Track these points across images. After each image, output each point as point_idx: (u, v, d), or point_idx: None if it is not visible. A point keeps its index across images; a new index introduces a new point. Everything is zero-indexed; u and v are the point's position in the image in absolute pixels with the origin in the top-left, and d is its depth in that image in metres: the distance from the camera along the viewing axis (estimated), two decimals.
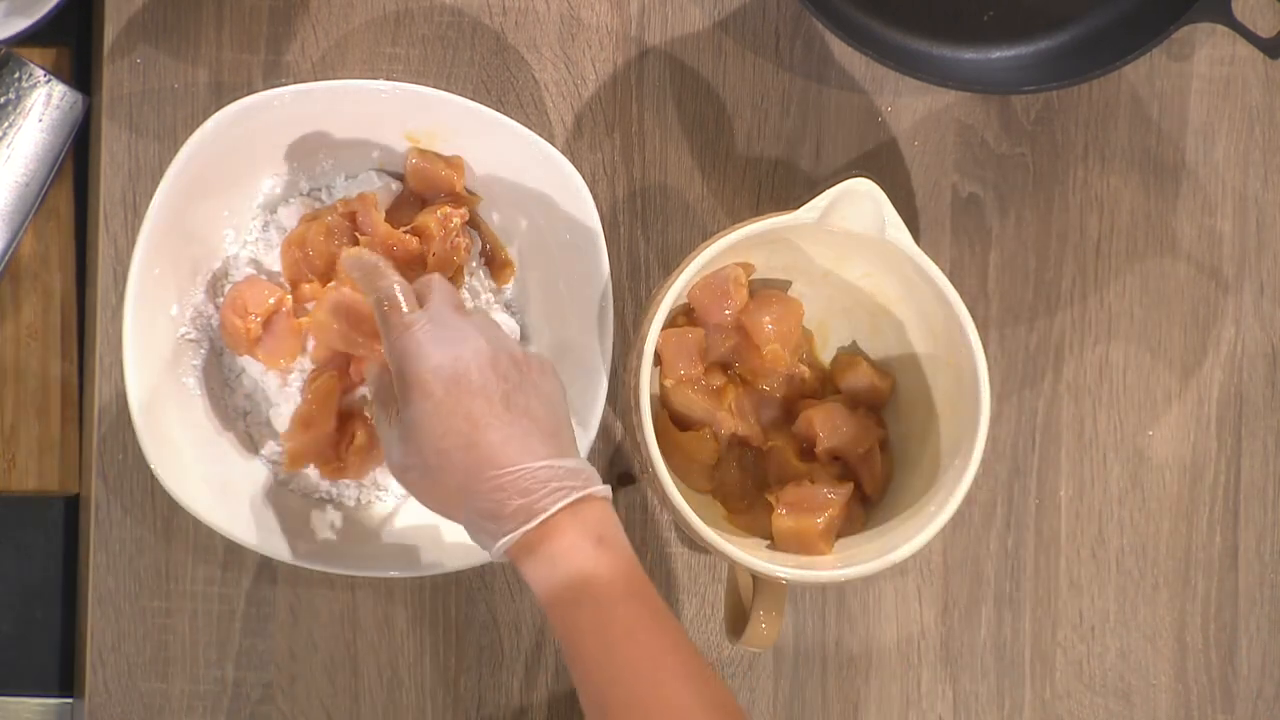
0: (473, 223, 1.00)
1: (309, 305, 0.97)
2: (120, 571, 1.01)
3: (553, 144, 0.98)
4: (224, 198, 0.98)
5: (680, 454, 0.98)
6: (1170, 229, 1.08)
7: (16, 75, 1.02)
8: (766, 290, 1.00)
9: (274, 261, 0.99)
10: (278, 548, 0.95)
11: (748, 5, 1.05)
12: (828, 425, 0.97)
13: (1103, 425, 1.07)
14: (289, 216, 0.99)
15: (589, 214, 0.97)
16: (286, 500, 0.98)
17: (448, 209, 0.98)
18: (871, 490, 0.98)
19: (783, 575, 0.91)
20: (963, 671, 1.06)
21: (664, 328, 0.95)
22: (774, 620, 0.93)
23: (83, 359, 1.04)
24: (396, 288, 0.87)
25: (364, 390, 0.98)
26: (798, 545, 0.95)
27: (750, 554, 0.91)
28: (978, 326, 0.93)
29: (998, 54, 1.04)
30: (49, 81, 1.02)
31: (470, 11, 1.04)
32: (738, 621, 0.97)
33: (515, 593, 1.03)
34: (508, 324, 1.00)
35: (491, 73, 1.04)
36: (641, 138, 1.05)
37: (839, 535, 0.97)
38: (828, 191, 0.92)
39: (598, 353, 0.98)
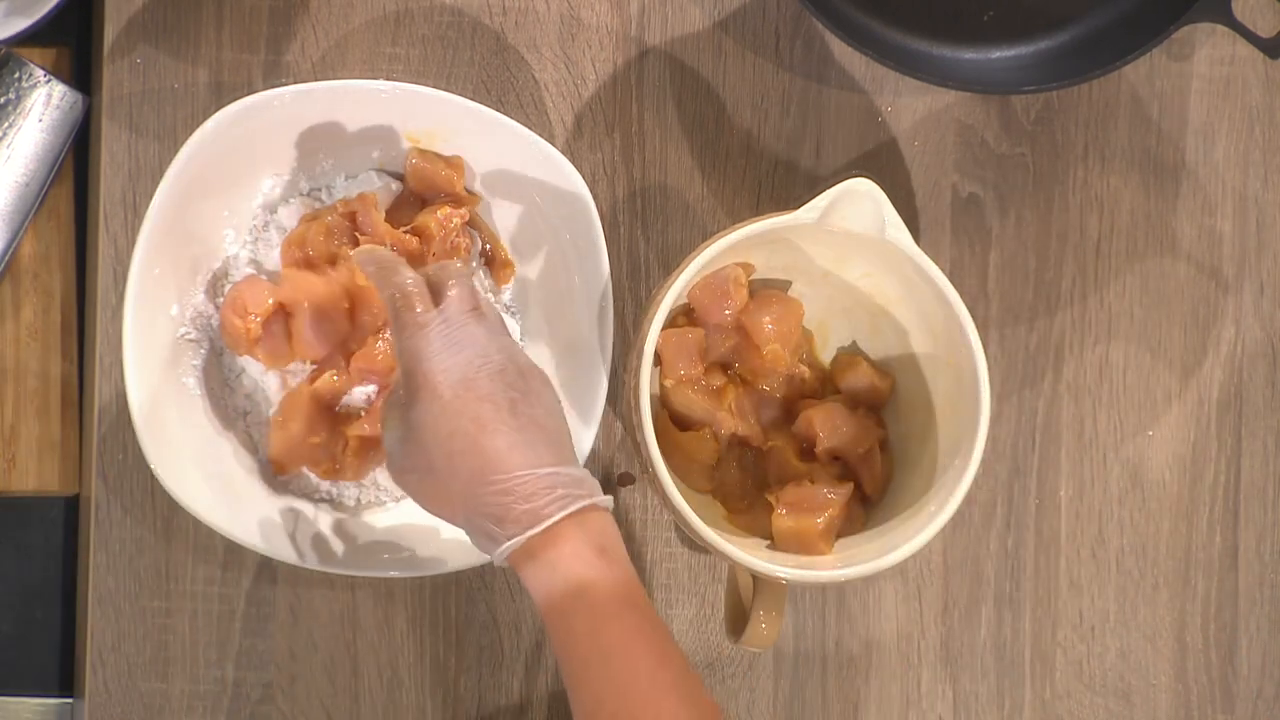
0: (473, 223, 1.00)
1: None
2: (120, 571, 1.01)
3: (553, 144, 0.98)
4: (224, 198, 0.98)
5: (680, 454, 0.98)
6: (1170, 229, 1.08)
7: (16, 75, 1.02)
8: (766, 290, 1.00)
9: (274, 261, 0.99)
10: (278, 548, 0.95)
11: (748, 5, 1.05)
12: (828, 425, 0.97)
13: (1103, 425, 1.07)
14: (289, 216, 0.99)
15: (589, 214, 0.97)
16: (286, 500, 0.98)
17: (448, 209, 0.98)
18: (871, 490, 0.98)
19: (783, 575, 0.91)
20: (963, 671, 1.06)
21: (664, 328, 0.95)
22: (774, 620, 0.93)
23: (83, 359, 1.04)
24: (411, 285, 0.86)
25: (361, 390, 0.98)
26: (798, 545, 0.95)
27: (750, 554, 0.91)
28: (978, 326, 0.93)
29: (998, 54, 1.04)
30: (49, 81, 1.02)
31: (470, 11, 1.04)
32: (738, 621, 0.97)
33: (515, 593, 1.03)
34: (508, 324, 1.00)
35: (491, 73, 1.04)
36: (641, 138, 1.05)
37: (839, 535, 0.97)
38: (828, 191, 0.92)
39: (598, 353, 0.98)
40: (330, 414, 0.98)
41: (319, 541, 0.97)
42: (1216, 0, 0.96)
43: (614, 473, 1.04)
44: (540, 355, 1.00)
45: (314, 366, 0.98)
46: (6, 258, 1.02)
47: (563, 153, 0.98)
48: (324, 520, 0.98)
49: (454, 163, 0.99)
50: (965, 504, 0.94)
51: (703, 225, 1.05)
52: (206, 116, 0.93)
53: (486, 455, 0.82)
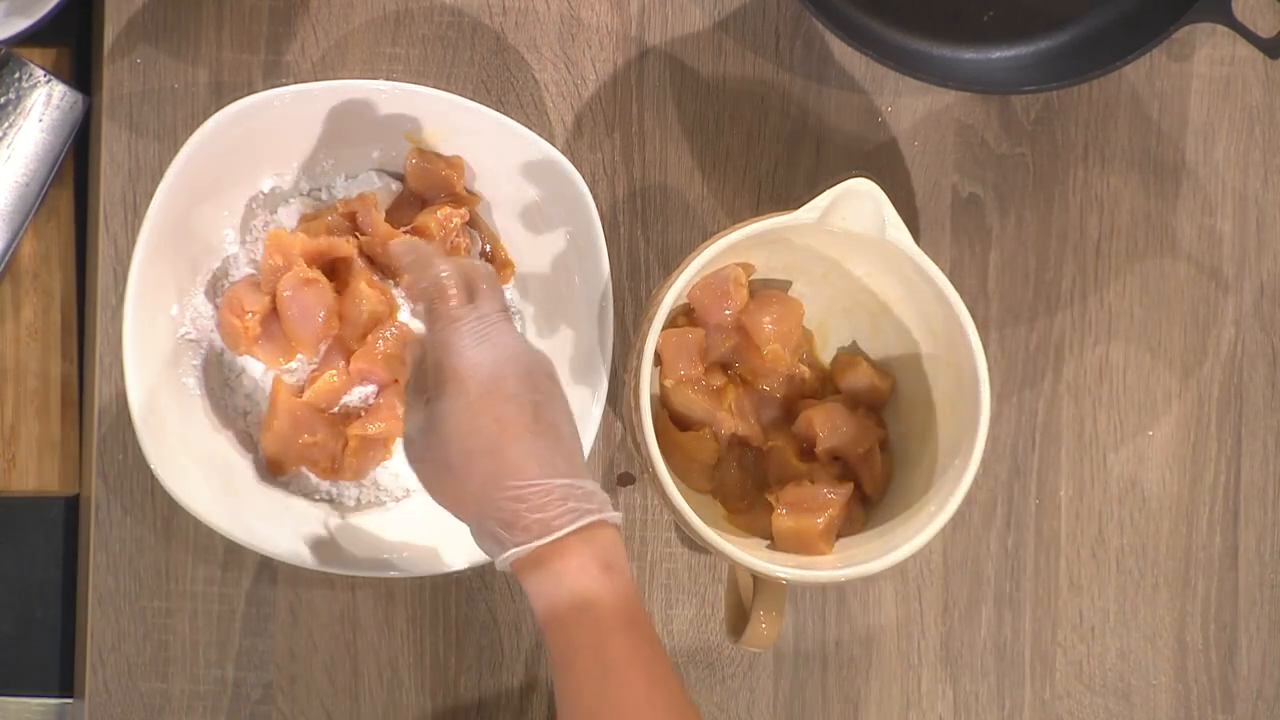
0: (473, 223, 1.00)
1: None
2: (120, 571, 1.01)
3: (553, 144, 0.98)
4: (224, 198, 0.98)
5: (680, 454, 0.98)
6: (1170, 229, 1.08)
7: (16, 75, 1.02)
8: (766, 290, 1.00)
9: None
10: (278, 548, 0.95)
11: (748, 5, 1.05)
12: (828, 425, 0.97)
13: (1103, 425, 1.07)
14: (289, 216, 0.99)
15: (589, 214, 0.97)
16: (287, 500, 0.98)
17: (448, 209, 0.98)
18: (871, 490, 0.98)
19: (783, 575, 0.91)
20: (963, 671, 1.06)
21: (664, 328, 0.95)
22: (774, 620, 0.93)
23: (83, 359, 1.04)
24: (447, 277, 0.85)
25: (361, 391, 0.98)
26: (798, 545, 0.95)
27: (750, 554, 0.91)
28: (978, 326, 0.93)
29: (998, 54, 1.04)
30: (49, 81, 1.02)
31: (470, 11, 1.04)
32: (738, 621, 0.97)
33: (515, 593, 1.03)
34: None
35: (491, 73, 1.04)
36: (641, 138, 1.05)
37: (839, 535, 0.97)
38: (828, 191, 0.92)
39: (598, 353, 0.98)
40: (324, 414, 0.98)
41: (319, 541, 0.97)
42: (1216, 0, 0.96)
43: (614, 473, 1.04)
44: None
45: (314, 366, 0.98)
46: (6, 258, 1.02)
47: (563, 153, 0.98)
48: (324, 520, 0.98)
49: (454, 163, 0.99)
50: (965, 504, 0.94)
51: (703, 225, 1.05)
52: (206, 116, 0.93)
53: (504, 459, 0.82)
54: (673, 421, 0.99)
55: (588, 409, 0.97)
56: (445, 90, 0.96)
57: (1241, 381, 1.08)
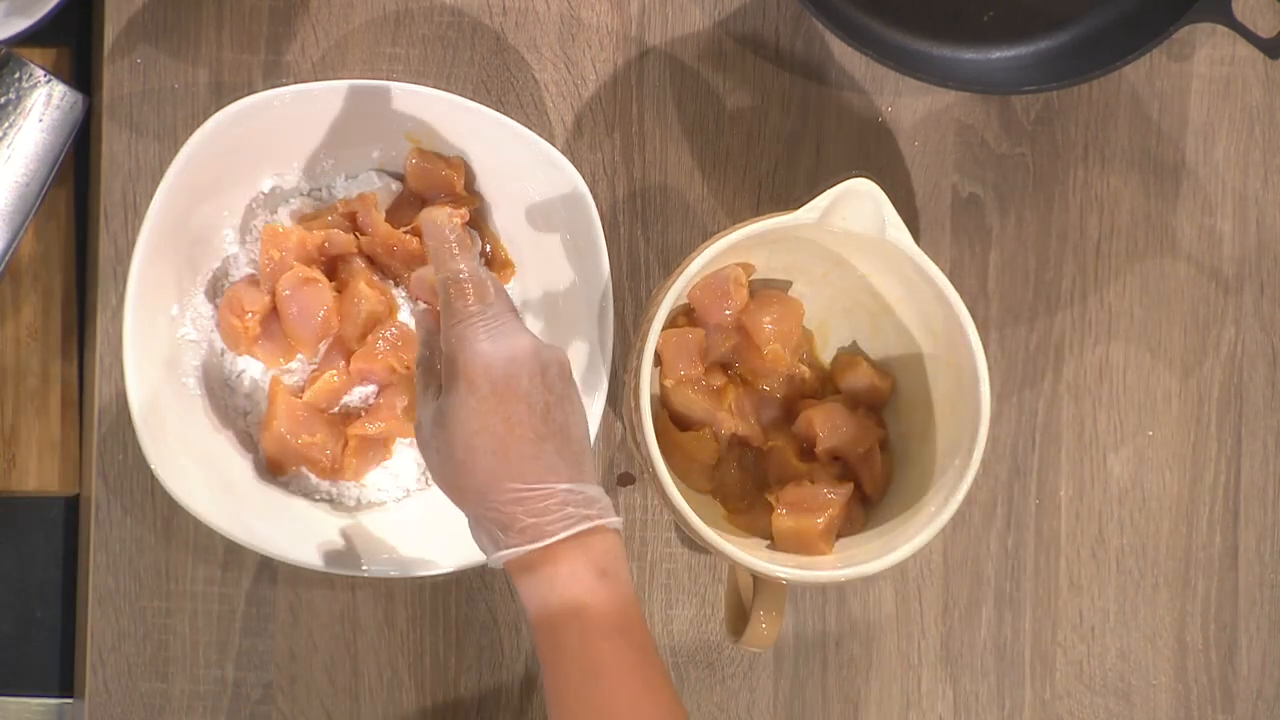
0: (473, 223, 1.00)
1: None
2: (120, 571, 1.01)
3: (553, 144, 0.98)
4: (224, 198, 0.98)
5: (680, 454, 0.98)
6: (1170, 229, 1.08)
7: (16, 75, 1.02)
8: (766, 290, 1.00)
9: None
10: (278, 548, 0.95)
11: (748, 5, 1.05)
12: (828, 425, 0.97)
13: (1103, 425, 1.07)
14: (289, 216, 0.99)
15: (589, 214, 0.97)
16: (287, 500, 0.98)
17: (448, 209, 0.98)
18: (871, 490, 0.98)
19: (783, 575, 0.91)
20: (963, 671, 1.06)
21: (664, 328, 0.95)
22: (774, 620, 0.93)
23: (83, 359, 1.04)
24: (465, 275, 0.85)
25: (361, 391, 0.98)
26: (798, 545, 0.95)
27: (750, 554, 0.91)
28: (978, 326, 0.93)
29: (998, 54, 1.04)
30: (49, 81, 1.02)
31: (470, 11, 1.04)
32: (738, 621, 0.97)
33: (515, 593, 1.03)
34: None
35: (491, 73, 1.04)
36: (641, 138, 1.05)
37: (839, 535, 0.97)
38: (828, 191, 0.92)
39: (598, 353, 0.98)
40: (324, 414, 0.98)
41: (319, 541, 0.97)
42: (1216, 0, 0.96)
43: (614, 473, 1.04)
44: None
45: (314, 366, 0.98)
46: (6, 258, 1.02)
47: (563, 153, 0.98)
48: (324, 520, 0.98)
49: (454, 163, 0.99)
50: (965, 504, 0.94)
51: (703, 225, 1.05)
52: (206, 116, 0.93)
53: (507, 460, 0.82)
54: (673, 421, 0.99)
55: (588, 409, 0.97)
56: (445, 90, 0.96)
57: (1241, 381, 1.08)
